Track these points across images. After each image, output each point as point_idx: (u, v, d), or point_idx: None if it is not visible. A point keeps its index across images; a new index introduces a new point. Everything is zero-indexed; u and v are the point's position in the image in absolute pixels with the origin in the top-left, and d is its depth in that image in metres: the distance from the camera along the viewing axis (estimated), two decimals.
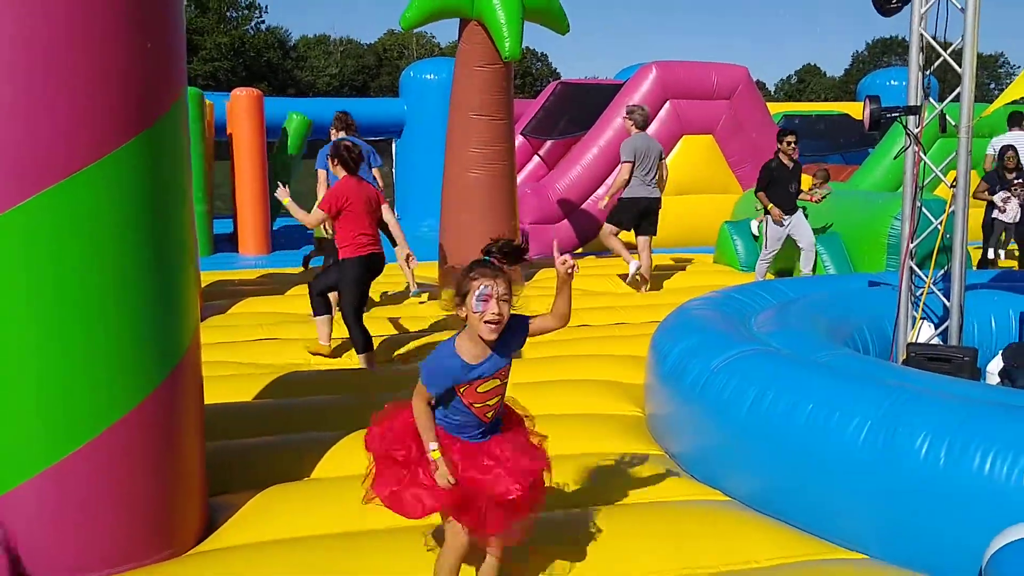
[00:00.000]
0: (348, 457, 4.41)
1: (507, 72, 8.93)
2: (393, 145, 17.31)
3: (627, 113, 9.72)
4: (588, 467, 4.24)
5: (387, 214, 6.83)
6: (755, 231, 10.91)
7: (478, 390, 2.95)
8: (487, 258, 2.98)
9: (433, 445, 2.92)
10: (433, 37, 60.73)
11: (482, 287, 2.89)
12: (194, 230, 3.62)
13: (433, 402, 3.00)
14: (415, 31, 59.94)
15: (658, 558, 3.43)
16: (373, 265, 6.43)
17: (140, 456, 3.29)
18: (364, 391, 5.60)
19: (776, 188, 9.33)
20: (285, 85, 48.01)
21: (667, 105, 13.29)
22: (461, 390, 2.95)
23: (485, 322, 2.88)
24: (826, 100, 53.49)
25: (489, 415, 3.02)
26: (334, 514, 3.81)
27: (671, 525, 3.68)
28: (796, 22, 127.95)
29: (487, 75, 8.79)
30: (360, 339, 6.35)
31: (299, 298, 8.92)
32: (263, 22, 53.41)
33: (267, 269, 11.12)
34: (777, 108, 21.26)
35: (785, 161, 9.37)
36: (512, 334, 2.99)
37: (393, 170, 17.07)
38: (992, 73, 65.98)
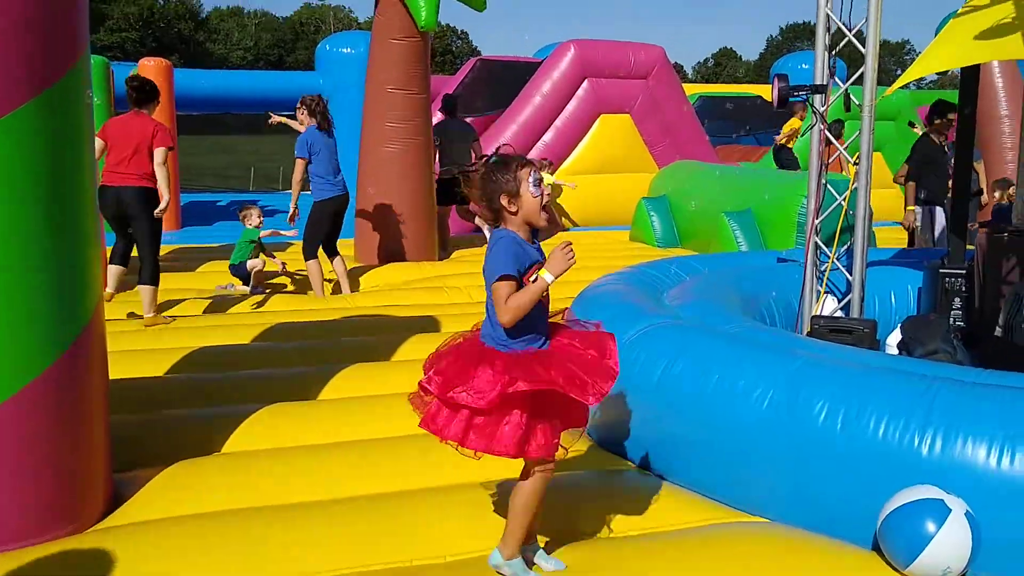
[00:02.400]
0: (258, 431, 4.37)
1: (424, 45, 8.86)
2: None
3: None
4: None
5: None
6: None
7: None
8: (500, 158, 2.99)
9: (548, 276, 2.89)
10: (351, 11, 59.86)
11: (533, 173, 2.93)
12: (95, 201, 3.50)
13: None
14: (332, 4, 58.93)
15: (572, 523, 3.48)
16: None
17: (40, 430, 3.19)
18: (274, 365, 5.54)
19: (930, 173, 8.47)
20: (197, 58, 46.67)
21: (585, 83, 13.37)
22: (531, 278, 2.93)
23: (542, 208, 2.95)
24: (742, 83, 54.50)
25: (548, 304, 3.04)
26: (243, 488, 3.75)
27: (581, 493, 3.74)
28: (713, 7, 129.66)
29: (404, 48, 8.71)
30: None
31: (211, 274, 8.75)
32: None
33: (177, 245, 10.83)
34: (693, 89, 21.58)
35: (939, 142, 8.59)
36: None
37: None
38: (899, 60, 68.18)
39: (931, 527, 2.95)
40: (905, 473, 3.20)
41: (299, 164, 7.82)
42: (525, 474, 3.06)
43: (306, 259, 7.97)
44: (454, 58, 58.17)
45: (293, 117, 8.66)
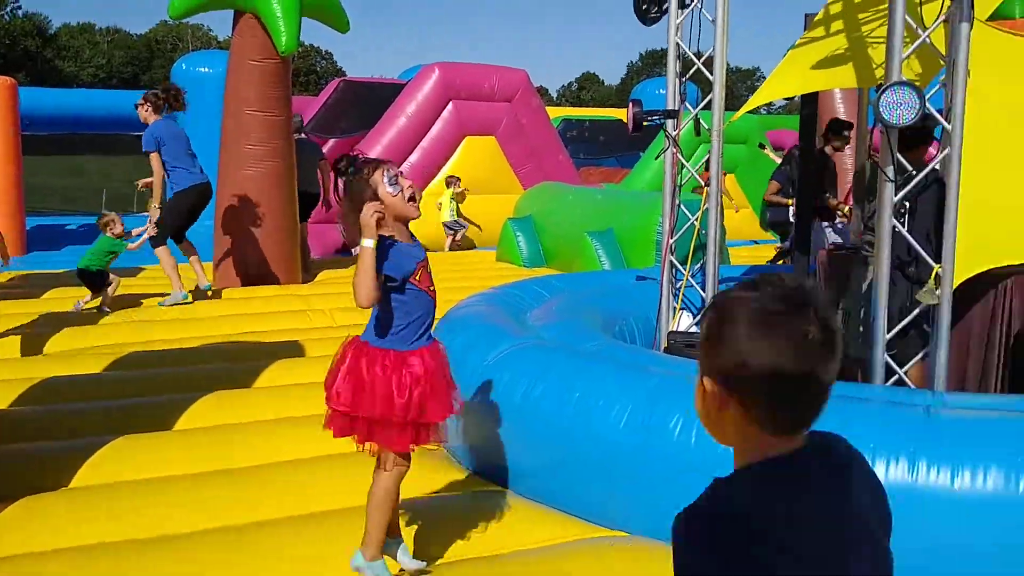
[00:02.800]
0: (111, 464, 4.17)
1: (284, 67, 8.72)
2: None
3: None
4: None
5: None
6: None
7: (420, 275, 3.03)
8: (352, 167, 2.98)
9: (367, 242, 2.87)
10: (210, 30, 58.30)
11: (386, 171, 2.93)
12: None
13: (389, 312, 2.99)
14: (191, 23, 57.24)
15: (439, 546, 3.46)
16: None
17: None
18: (128, 394, 5.31)
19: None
20: (46, 76, 44.44)
21: (449, 106, 13.45)
22: (417, 276, 2.99)
23: (409, 199, 2.93)
24: (604, 107, 55.91)
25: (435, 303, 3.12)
26: (95, 523, 3.58)
27: (448, 516, 3.73)
28: (577, 32, 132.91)
29: (263, 70, 8.54)
30: None
31: (57, 300, 8.31)
32: (19, 8, 49.28)
33: (22, 271, 10.24)
34: (557, 112, 22.04)
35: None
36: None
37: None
38: (750, 86, 71.49)
39: None
40: None
41: (154, 158, 7.63)
42: (378, 466, 3.10)
43: (155, 246, 7.80)
44: (318, 78, 57.42)
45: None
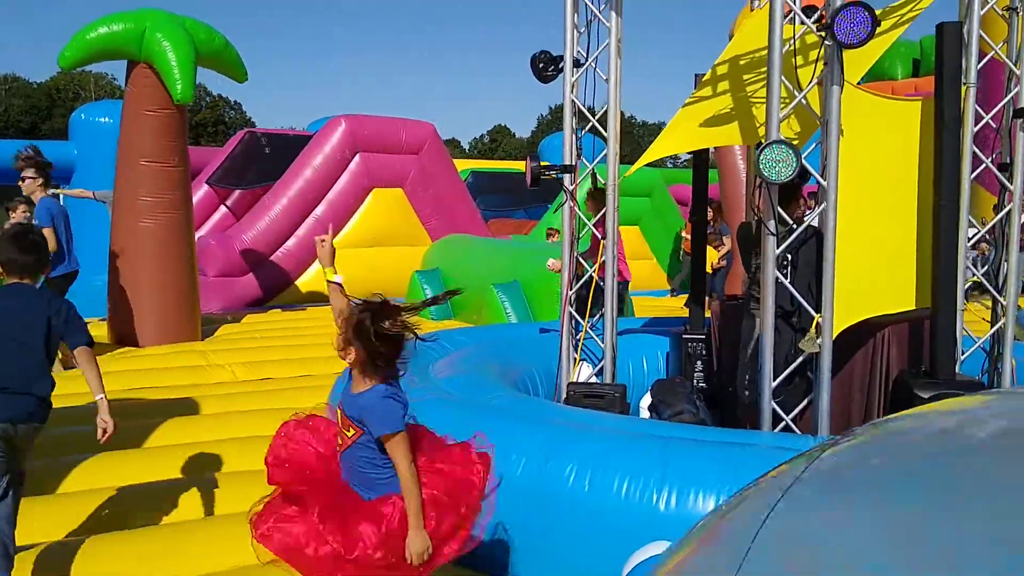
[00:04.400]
0: None
1: (180, 117, 8.61)
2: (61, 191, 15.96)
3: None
4: None
5: None
6: None
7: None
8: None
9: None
10: (114, 79, 57.17)
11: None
12: None
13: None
14: (94, 71, 56.05)
15: None
16: None
17: None
18: None
19: None
20: None
21: (357, 158, 13.46)
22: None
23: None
24: (516, 159, 56.64)
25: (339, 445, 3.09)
26: None
27: None
28: (488, 86, 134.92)
29: (158, 120, 8.41)
30: None
31: None
32: None
33: None
34: (465, 164, 22.26)
35: None
36: (369, 404, 2.98)
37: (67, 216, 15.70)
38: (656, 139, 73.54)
39: None
40: (646, 528, 3.39)
41: (49, 233, 7.24)
42: None
43: None
44: (227, 128, 56.73)
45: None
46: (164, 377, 7.56)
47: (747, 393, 4.87)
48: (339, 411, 3.02)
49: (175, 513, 4.36)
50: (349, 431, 2.94)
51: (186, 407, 6.37)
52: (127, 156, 8.54)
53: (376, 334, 2.87)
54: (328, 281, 3.15)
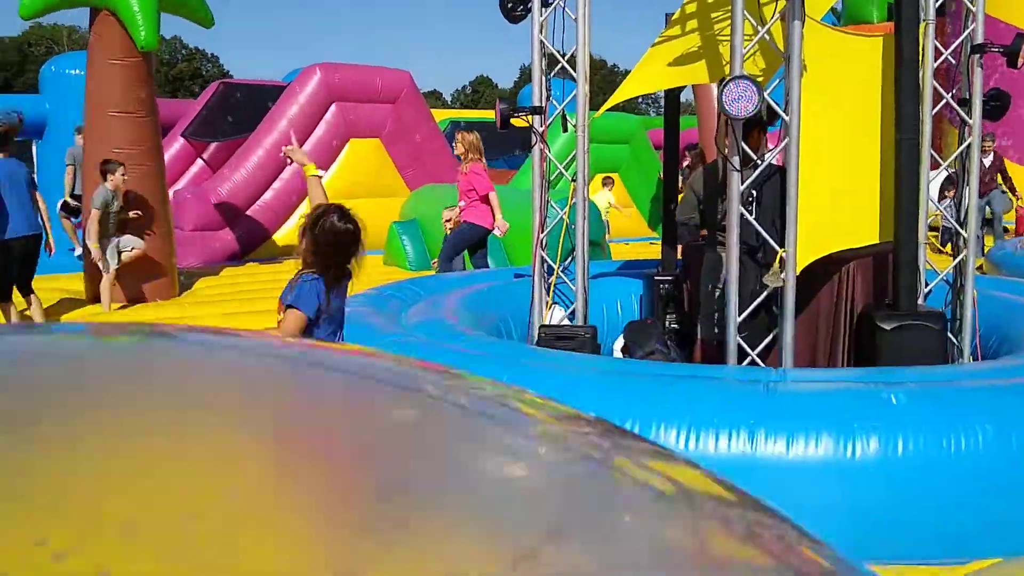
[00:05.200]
0: None
1: (146, 65, 8.47)
2: (34, 147, 15.79)
3: None
4: None
5: None
6: None
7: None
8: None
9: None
10: (88, 32, 56.04)
11: None
12: None
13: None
14: (67, 24, 55.03)
15: None
16: None
17: None
18: None
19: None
20: None
21: (333, 107, 13.33)
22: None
23: None
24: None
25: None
26: None
27: None
28: (469, 36, 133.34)
29: (124, 69, 8.27)
30: None
31: None
32: None
33: None
34: (444, 114, 22.09)
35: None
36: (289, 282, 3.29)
37: (35, 175, 15.54)
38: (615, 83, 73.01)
39: None
40: None
41: None
42: None
43: None
44: (204, 82, 55.95)
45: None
46: None
47: (707, 329, 4.93)
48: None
49: None
50: (279, 315, 3.19)
51: None
52: (94, 107, 8.43)
53: (324, 228, 3.15)
54: (310, 175, 3.37)
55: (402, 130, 13.97)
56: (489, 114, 26.07)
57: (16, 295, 7.29)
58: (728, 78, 4.21)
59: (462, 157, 8.38)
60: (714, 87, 14.19)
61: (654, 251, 12.74)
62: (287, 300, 3.10)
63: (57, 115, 15.13)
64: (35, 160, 15.76)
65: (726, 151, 4.50)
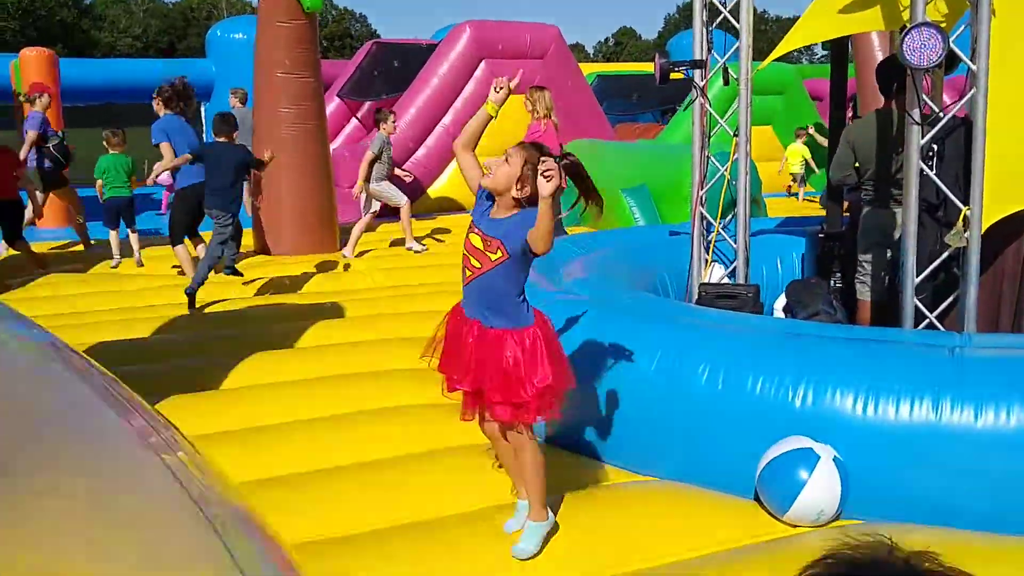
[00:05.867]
0: None
1: (311, 27, 8.79)
2: (202, 109, 16.64)
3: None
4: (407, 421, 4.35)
5: None
6: None
7: (469, 238, 3.13)
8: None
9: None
10: None
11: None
12: None
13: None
14: None
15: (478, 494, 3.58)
16: None
17: None
18: (171, 358, 5.48)
19: None
20: (83, 47, 44.89)
21: (482, 64, 13.41)
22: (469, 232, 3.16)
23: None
24: (641, 61, 55.12)
25: (467, 275, 3.13)
26: None
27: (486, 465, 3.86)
28: None
29: (290, 31, 8.62)
30: None
31: (106, 268, 8.55)
32: None
33: (66, 240, 10.51)
34: (591, 68, 21.84)
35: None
36: (522, 218, 3.04)
37: (203, 135, 16.40)
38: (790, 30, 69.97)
39: (803, 475, 3.15)
40: (781, 426, 3.40)
41: (165, 148, 7.57)
42: (509, 438, 3.20)
43: (173, 245, 7.89)
44: (354, 42, 57.27)
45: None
46: (308, 284, 7.93)
47: (876, 289, 4.73)
48: (478, 234, 3.12)
49: (332, 407, 4.62)
50: (496, 253, 3.05)
51: (332, 311, 6.67)
52: (263, 68, 8.83)
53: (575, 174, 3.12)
54: (487, 112, 3.29)
55: (551, 86, 13.90)
56: (636, 67, 25.61)
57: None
58: (910, 25, 3.98)
59: (537, 115, 8.41)
60: (874, 35, 13.55)
61: (811, 208, 12.33)
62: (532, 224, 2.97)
63: (223, 77, 15.88)
64: (204, 121, 16.61)
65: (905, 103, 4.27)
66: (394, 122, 9.08)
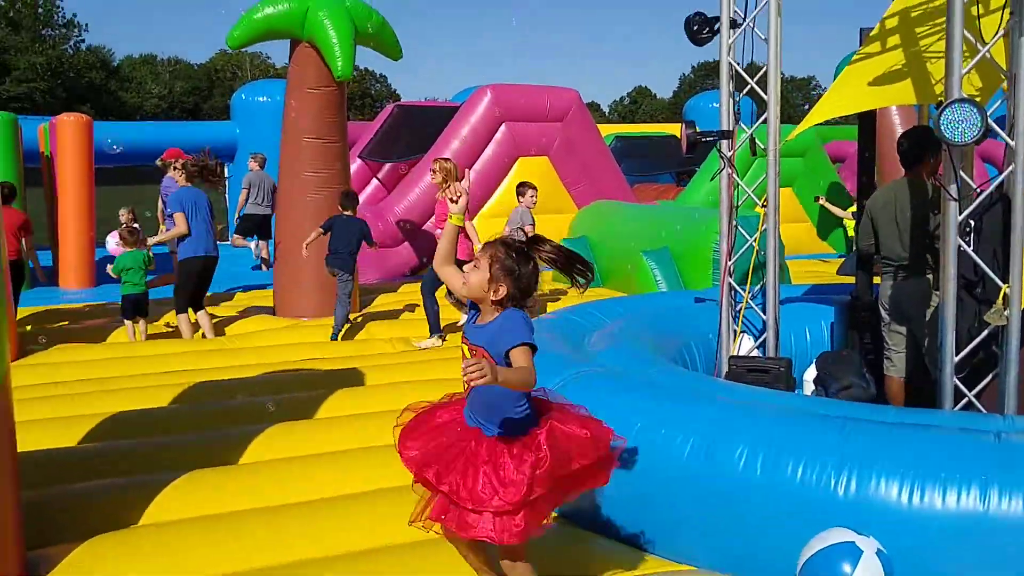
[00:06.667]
0: (177, 501, 4.25)
1: (340, 93, 8.88)
2: (225, 169, 16.78)
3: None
4: None
5: None
6: None
7: (461, 347, 3.09)
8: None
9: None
10: (268, 57, 59.39)
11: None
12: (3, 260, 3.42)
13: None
14: (249, 51, 58.57)
15: None
16: None
17: None
18: (194, 430, 5.40)
19: None
20: (109, 107, 45.72)
21: (502, 127, 13.52)
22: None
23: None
24: (657, 121, 55.64)
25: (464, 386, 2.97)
26: (161, 563, 3.64)
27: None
28: (627, 46, 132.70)
29: (320, 97, 8.71)
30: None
31: (124, 333, 8.52)
32: (83, 41, 50.80)
33: (92, 303, 10.52)
34: (609, 129, 22.03)
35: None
36: (500, 325, 2.98)
37: (225, 195, 16.56)
38: (806, 95, 70.59)
39: (846, 569, 3.02)
40: (822, 514, 3.27)
41: (180, 218, 7.97)
42: (513, 554, 3.07)
43: (177, 313, 8.26)
44: (373, 101, 58.17)
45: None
46: (328, 348, 7.88)
47: (911, 367, 4.61)
48: (466, 343, 3.07)
49: (348, 484, 4.52)
50: (480, 356, 2.97)
51: (350, 378, 6.59)
52: (291, 133, 8.91)
53: (524, 275, 2.99)
54: (452, 223, 3.16)
55: (570, 148, 14.00)
56: (653, 128, 25.77)
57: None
58: (946, 102, 3.94)
59: (440, 184, 8.48)
60: (894, 114, 13.58)
61: (829, 270, 12.24)
62: (511, 340, 2.89)
63: (246, 139, 16.09)
64: (227, 182, 16.75)
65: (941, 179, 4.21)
66: (533, 196, 9.22)
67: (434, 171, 8.76)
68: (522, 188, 9.35)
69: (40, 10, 47.59)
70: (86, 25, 50.37)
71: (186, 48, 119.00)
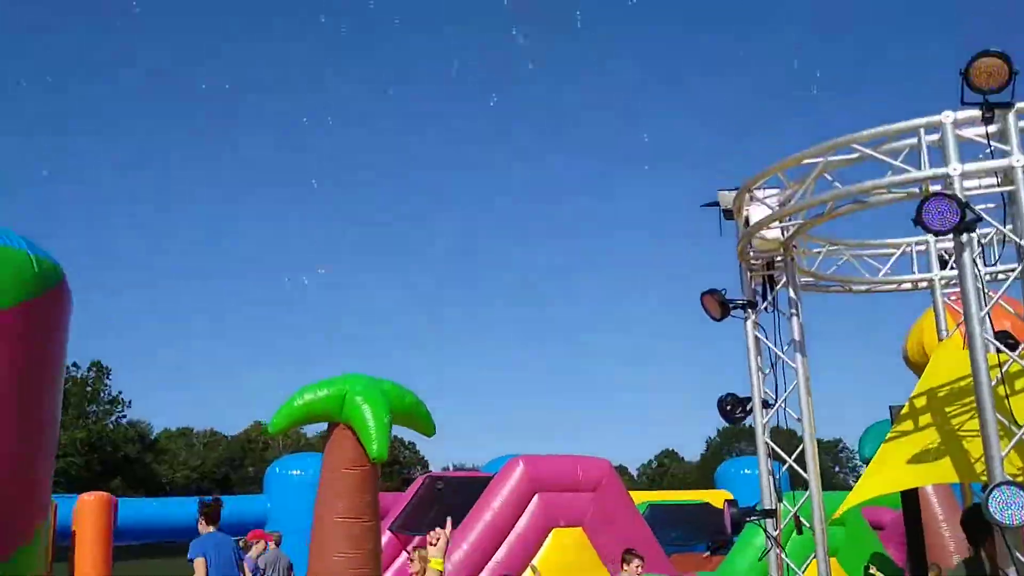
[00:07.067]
0: None
1: (374, 472, 9.00)
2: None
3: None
4: None
5: None
6: None
7: None
8: None
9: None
10: (299, 428, 60.84)
11: None
12: None
13: None
14: None
15: None
16: None
17: None
18: None
19: None
20: (142, 480, 46.23)
21: (535, 498, 13.46)
22: None
23: None
24: (685, 483, 55.28)
25: None
26: None
27: None
28: (653, 410, 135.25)
29: (354, 477, 8.82)
30: None
31: None
32: (124, 416, 52.33)
33: None
34: (642, 497, 21.80)
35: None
36: None
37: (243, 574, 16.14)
38: (834, 457, 70.55)
39: None
40: None
41: (199, 564, 7.86)
42: None
43: None
44: (401, 468, 58.57)
45: None
46: None
47: None
48: None
49: None
50: None
51: None
52: (323, 513, 8.90)
53: None
54: (432, 568, 3.10)
55: (604, 518, 13.80)
56: (685, 495, 25.58)
57: None
58: (991, 486, 3.95)
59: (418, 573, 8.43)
60: (928, 488, 13.51)
61: None
62: None
63: (278, 512, 16.04)
64: (244, 564, 16.46)
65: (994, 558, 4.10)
66: (638, 567, 9.33)
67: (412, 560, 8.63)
68: (629, 555, 9.49)
69: (89, 388, 49.78)
70: (129, 402, 52.09)
71: (222, 419, 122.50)
